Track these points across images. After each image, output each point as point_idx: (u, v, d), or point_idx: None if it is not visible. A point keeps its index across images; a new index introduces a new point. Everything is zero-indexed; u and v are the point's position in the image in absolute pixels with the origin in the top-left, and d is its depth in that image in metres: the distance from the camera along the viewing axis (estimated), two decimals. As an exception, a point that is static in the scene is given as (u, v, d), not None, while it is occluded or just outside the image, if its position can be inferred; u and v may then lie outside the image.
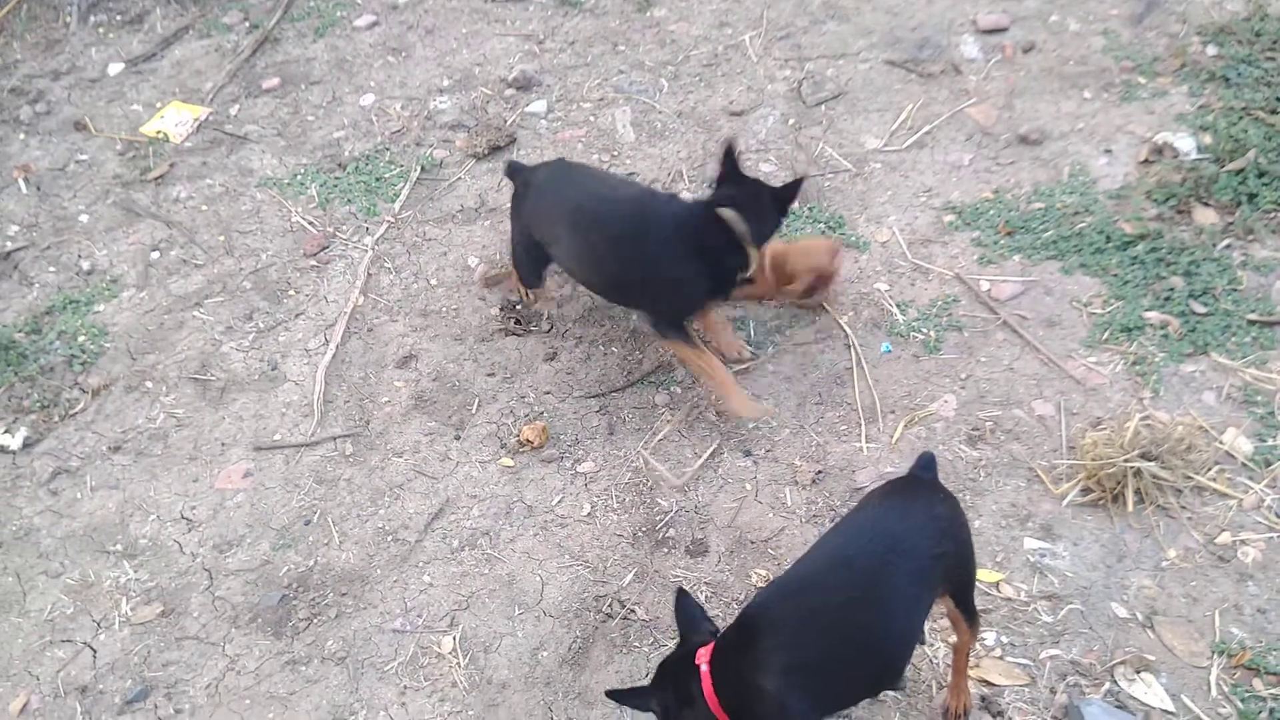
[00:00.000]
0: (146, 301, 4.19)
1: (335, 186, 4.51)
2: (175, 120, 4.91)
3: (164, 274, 4.29)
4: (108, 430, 3.77)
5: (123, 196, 4.63)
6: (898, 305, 3.75)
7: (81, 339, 4.06)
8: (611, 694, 2.50)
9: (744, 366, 3.63)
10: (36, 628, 3.26)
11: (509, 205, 3.78)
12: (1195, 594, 2.93)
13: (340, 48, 5.19)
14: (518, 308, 3.91)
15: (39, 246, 4.47)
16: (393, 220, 4.34)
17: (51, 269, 4.39)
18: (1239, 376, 3.38)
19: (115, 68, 5.28)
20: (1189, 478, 3.11)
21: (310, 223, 4.38)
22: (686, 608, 2.51)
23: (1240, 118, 4.05)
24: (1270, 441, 3.21)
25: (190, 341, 4.02)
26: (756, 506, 3.28)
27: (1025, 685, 2.79)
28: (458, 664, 3.03)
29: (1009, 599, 2.97)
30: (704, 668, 2.34)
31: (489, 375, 3.76)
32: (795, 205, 3.58)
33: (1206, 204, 3.84)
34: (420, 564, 3.28)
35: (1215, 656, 2.79)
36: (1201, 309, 3.55)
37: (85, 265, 4.37)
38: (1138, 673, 2.77)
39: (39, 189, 4.73)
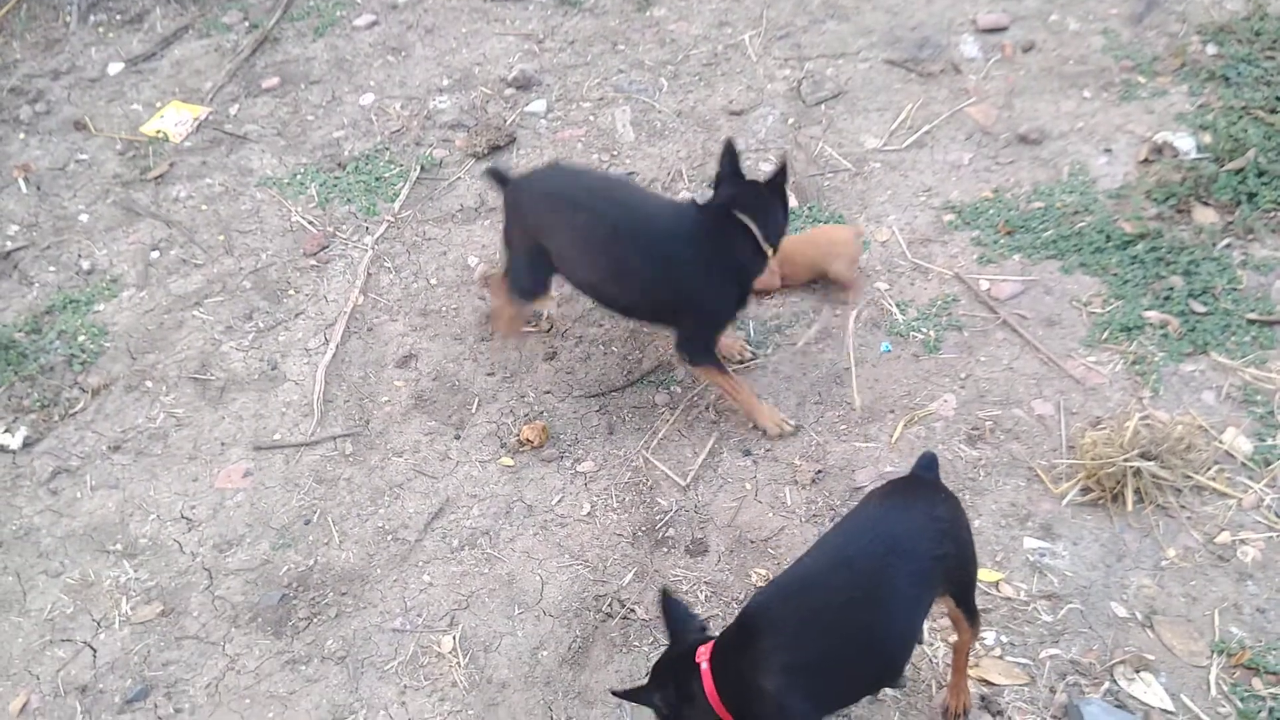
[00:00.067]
0: (146, 301, 4.20)
1: (335, 186, 4.51)
2: (175, 120, 4.91)
3: (164, 273, 4.29)
4: (108, 430, 3.77)
5: (123, 196, 4.63)
6: (897, 305, 3.75)
7: (81, 338, 4.06)
8: (615, 692, 2.51)
9: (744, 366, 3.64)
10: (36, 627, 3.26)
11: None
12: (1195, 593, 2.93)
13: (340, 47, 5.19)
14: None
15: (39, 246, 4.48)
16: (392, 220, 4.34)
17: (51, 268, 4.39)
18: (1238, 376, 3.38)
19: (115, 67, 5.28)
20: (1188, 477, 3.11)
21: (310, 222, 4.39)
22: (674, 608, 2.51)
23: (1240, 117, 4.05)
24: (1270, 441, 3.21)
25: (190, 341, 4.02)
26: (756, 506, 3.28)
27: (1025, 685, 2.79)
28: (457, 663, 3.03)
29: (1009, 598, 2.97)
30: (704, 666, 2.34)
31: (489, 375, 3.76)
32: (791, 194, 3.53)
33: (1206, 203, 3.84)
34: (420, 563, 3.28)
35: (1214, 656, 2.79)
36: (1201, 308, 3.55)
37: (85, 265, 4.37)
38: (1137, 672, 2.77)
39: (39, 189, 4.73)
